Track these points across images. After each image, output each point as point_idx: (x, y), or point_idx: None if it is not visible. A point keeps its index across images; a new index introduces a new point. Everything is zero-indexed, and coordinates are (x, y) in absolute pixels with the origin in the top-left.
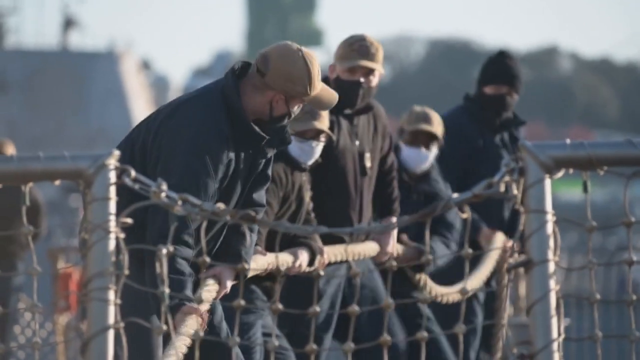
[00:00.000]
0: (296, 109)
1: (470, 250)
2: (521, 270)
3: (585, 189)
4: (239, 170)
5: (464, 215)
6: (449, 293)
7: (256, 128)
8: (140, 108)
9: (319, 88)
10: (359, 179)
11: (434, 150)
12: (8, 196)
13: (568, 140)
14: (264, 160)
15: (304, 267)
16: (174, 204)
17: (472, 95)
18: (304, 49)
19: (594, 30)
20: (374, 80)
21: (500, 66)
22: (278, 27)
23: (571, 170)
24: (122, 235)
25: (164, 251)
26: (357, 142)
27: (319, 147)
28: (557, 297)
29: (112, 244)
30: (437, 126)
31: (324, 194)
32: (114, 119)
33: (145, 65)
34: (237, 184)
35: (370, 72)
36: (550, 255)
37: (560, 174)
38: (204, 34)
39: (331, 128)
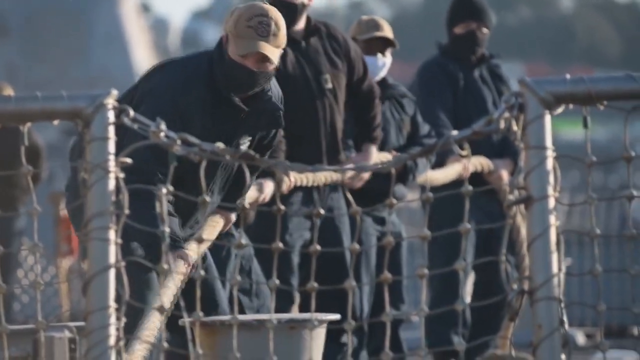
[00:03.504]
0: (251, 60)
1: (470, 187)
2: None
3: (585, 125)
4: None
5: (464, 153)
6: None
7: (236, 100)
8: (141, 51)
9: (248, 34)
10: (320, 102)
11: (389, 57)
12: (7, 141)
13: (568, 76)
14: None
15: (268, 198)
16: (173, 143)
17: (445, 42)
18: (271, 6)
19: None
20: None
21: (465, 4)
22: None
23: (571, 106)
24: (121, 175)
25: (164, 191)
26: (309, 66)
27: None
28: (558, 233)
29: (111, 184)
30: (389, 31)
31: (289, 125)
32: (114, 62)
33: (145, 8)
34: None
35: None
36: (550, 191)
37: (560, 109)
38: None
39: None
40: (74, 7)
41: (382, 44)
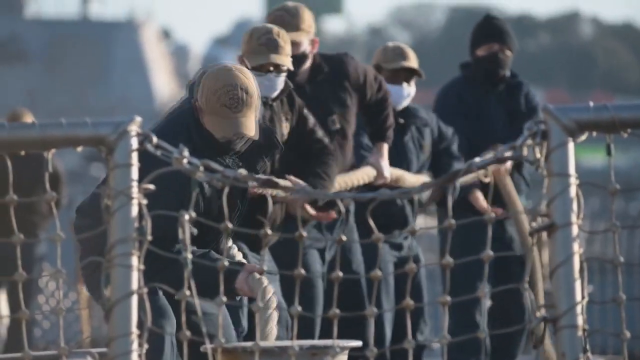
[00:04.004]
0: (219, 130)
1: (493, 215)
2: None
3: (608, 152)
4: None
5: (486, 179)
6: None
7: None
8: (161, 77)
9: (220, 108)
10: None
11: (414, 86)
12: (28, 167)
13: (591, 103)
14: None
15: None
16: (196, 170)
17: (467, 63)
18: (235, 68)
19: None
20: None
21: (487, 26)
22: None
23: (594, 133)
24: (144, 202)
25: (186, 217)
26: (315, 109)
27: (279, 80)
28: (581, 261)
29: (134, 210)
30: (414, 61)
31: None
32: (135, 89)
33: (166, 35)
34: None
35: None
36: (574, 218)
37: (583, 137)
38: (224, 2)
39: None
40: (94, 33)
41: (408, 73)
